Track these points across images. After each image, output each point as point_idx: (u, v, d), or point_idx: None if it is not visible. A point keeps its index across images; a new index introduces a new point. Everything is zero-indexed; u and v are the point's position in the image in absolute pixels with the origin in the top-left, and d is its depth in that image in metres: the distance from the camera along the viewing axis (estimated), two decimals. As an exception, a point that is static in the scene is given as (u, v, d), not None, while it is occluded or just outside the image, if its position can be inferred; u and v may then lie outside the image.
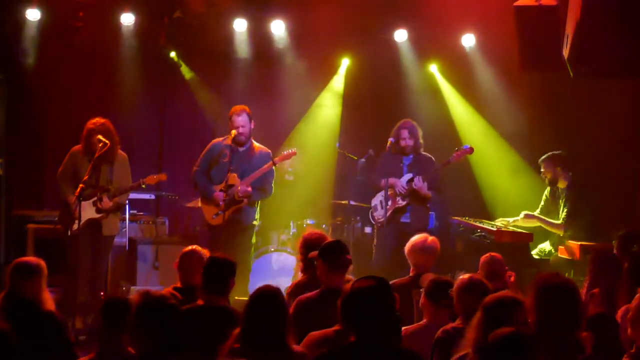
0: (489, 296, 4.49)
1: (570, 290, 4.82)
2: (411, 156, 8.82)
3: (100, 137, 8.00)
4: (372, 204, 9.02)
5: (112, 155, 8.16)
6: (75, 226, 7.88)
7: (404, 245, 6.53)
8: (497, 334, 3.72)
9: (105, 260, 8.47)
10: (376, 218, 8.99)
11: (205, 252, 6.11)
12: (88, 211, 8.07)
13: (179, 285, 5.91)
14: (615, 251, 6.86)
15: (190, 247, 6.06)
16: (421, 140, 8.86)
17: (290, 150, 8.59)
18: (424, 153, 8.93)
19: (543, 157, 8.66)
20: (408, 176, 8.72)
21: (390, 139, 8.82)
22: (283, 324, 4.40)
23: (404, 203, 8.68)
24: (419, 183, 8.61)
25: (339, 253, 5.51)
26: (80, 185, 7.77)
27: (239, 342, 4.36)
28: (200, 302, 5.22)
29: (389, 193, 8.82)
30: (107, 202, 8.13)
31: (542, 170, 8.68)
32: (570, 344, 4.53)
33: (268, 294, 4.49)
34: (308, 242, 6.19)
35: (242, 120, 8.32)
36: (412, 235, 6.60)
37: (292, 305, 5.47)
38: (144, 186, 8.36)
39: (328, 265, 5.48)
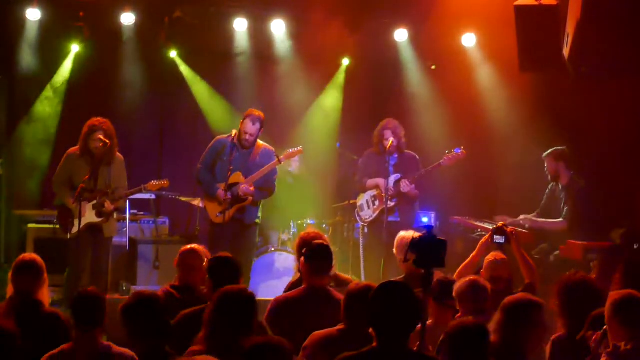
0: (508, 298, 4.53)
1: (596, 289, 4.89)
2: (396, 155, 8.82)
3: (101, 136, 8.01)
4: (358, 204, 9.06)
5: (111, 157, 8.16)
6: (75, 229, 7.92)
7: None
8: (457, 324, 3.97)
9: (106, 260, 8.47)
10: (363, 218, 9.02)
11: (205, 252, 6.11)
12: (88, 215, 8.05)
13: (176, 283, 5.90)
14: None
15: (190, 246, 6.06)
16: (404, 139, 8.86)
17: (296, 149, 8.59)
18: (407, 151, 8.94)
19: (547, 152, 8.68)
20: (395, 177, 8.73)
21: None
22: (247, 327, 4.34)
23: (392, 204, 8.69)
24: (407, 187, 8.64)
25: (321, 259, 5.59)
26: (81, 184, 7.78)
27: (202, 344, 4.34)
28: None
29: (375, 193, 8.86)
30: (109, 207, 8.12)
31: (545, 164, 8.69)
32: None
33: (234, 296, 4.44)
34: (305, 241, 6.20)
35: (254, 129, 8.27)
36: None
37: (271, 303, 5.52)
38: (144, 191, 8.37)
39: (310, 268, 5.56)
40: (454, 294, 5.14)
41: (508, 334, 4.34)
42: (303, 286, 5.59)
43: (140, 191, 8.36)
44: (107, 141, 8.01)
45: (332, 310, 5.22)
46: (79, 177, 8.04)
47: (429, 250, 4.29)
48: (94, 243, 8.16)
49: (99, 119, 8.17)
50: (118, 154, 8.28)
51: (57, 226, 8.37)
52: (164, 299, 5.31)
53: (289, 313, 5.34)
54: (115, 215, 8.40)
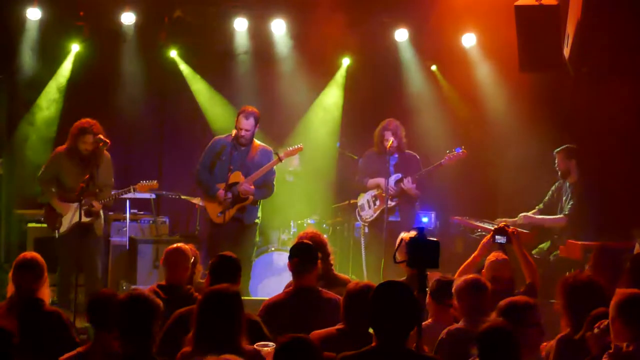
0: (504, 300, 4.54)
1: (600, 289, 4.89)
2: (396, 155, 8.83)
3: (101, 136, 8.05)
4: (359, 203, 9.08)
5: (101, 157, 8.18)
6: (64, 228, 8.06)
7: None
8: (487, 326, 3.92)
9: (99, 259, 8.47)
10: (363, 217, 9.02)
11: (194, 251, 6.11)
12: (76, 215, 8.07)
13: (163, 283, 5.89)
14: (638, 250, 6.87)
15: (176, 245, 6.05)
16: (404, 140, 8.87)
17: (296, 146, 8.59)
18: (408, 151, 8.94)
19: (560, 148, 8.64)
20: (396, 176, 8.73)
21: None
22: (234, 325, 4.32)
23: (393, 203, 8.69)
24: (409, 184, 8.64)
25: (300, 258, 5.56)
26: (81, 184, 7.82)
27: (191, 344, 4.31)
28: None
29: (376, 193, 8.86)
30: (98, 206, 8.14)
31: (556, 161, 8.65)
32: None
33: (218, 295, 4.40)
34: (303, 241, 6.18)
35: (248, 124, 8.30)
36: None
37: (260, 308, 5.50)
38: (133, 192, 8.36)
39: (294, 266, 5.56)
40: (453, 291, 5.13)
41: None
42: (292, 288, 5.57)
43: (129, 192, 8.37)
44: (108, 140, 8.06)
45: (323, 310, 5.23)
46: (66, 177, 8.12)
47: (421, 252, 4.27)
48: (85, 243, 8.14)
49: (88, 120, 8.22)
50: (105, 152, 8.30)
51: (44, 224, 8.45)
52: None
53: (279, 315, 5.31)
54: (102, 214, 8.41)
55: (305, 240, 5.86)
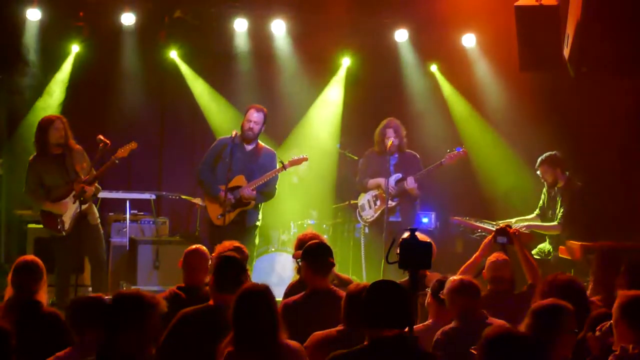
0: (538, 302, 4.47)
1: (579, 289, 4.87)
2: (396, 155, 8.83)
3: (101, 137, 8.07)
4: (360, 204, 9.08)
5: (70, 149, 8.18)
6: (67, 224, 8.02)
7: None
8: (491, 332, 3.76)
9: (102, 248, 8.45)
10: (364, 217, 9.02)
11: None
12: (72, 207, 8.07)
13: (182, 284, 5.87)
14: None
15: (194, 246, 6.03)
16: (405, 139, 8.86)
17: (301, 156, 8.58)
18: (408, 150, 8.94)
19: (540, 160, 8.52)
20: (396, 176, 8.73)
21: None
22: (272, 321, 4.33)
23: (394, 203, 8.69)
24: (412, 184, 8.63)
25: (321, 256, 5.52)
26: (81, 185, 7.82)
27: (233, 345, 4.30)
28: (211, 302, 5.14)
29: (376, 193, 8.86)
30: (90, 190, 8.12)
31: (540, 173, 8.58)
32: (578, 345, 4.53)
33: (252, 293, 4.42)
34: (302, 242, 6.18)
35: (258, 117, 8.34)
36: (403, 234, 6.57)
37: (281, 306, 5.48)
38: (117, 162, 8.24)
39: (311, 267, 5.51)
40: (445, 291, 5.13)
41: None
42: (307, 290, 5.51)
43: (113, 163, 8.13)
44: (108, 141, 8.07)
45: (339, 310, 5.20)
46: (49, 178, 8.13)
47: (413, 253, 4.24)
48: (84, 235, 8.14)
49: (51, 115, 8.34)
50: (73, 142, 8.26)
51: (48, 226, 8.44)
52: (170, 300, 5.30)
53: (297, 317, 5.25)
54: (92, 205, 8.41)
55: (318, 241, 5.85)
